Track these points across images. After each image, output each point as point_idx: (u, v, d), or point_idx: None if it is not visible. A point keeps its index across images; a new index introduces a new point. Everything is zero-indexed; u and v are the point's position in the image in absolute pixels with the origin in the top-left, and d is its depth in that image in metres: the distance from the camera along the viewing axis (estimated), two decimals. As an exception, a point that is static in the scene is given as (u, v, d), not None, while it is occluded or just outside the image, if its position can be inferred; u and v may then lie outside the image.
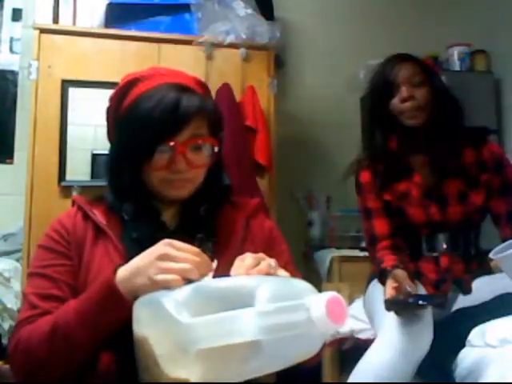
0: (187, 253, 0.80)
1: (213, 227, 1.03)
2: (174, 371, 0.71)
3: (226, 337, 0.67)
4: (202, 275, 0.79)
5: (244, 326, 0.67)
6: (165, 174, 0.98)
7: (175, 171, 0.97)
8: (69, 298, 0.93)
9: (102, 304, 0.83)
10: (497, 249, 1.29)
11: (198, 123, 0.98)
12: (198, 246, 0.86)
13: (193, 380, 0.70)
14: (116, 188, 1.03)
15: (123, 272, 0.83)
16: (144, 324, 0.76)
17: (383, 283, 1.50)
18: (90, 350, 0.87)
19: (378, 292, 1.57)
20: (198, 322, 0.69)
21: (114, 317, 0.83)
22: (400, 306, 1.38)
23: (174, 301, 0.72)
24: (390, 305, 1.37)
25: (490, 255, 1.31)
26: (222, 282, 0.75)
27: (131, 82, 1.02)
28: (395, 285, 1.40)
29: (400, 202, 1.62)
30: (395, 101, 1.59)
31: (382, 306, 1.51)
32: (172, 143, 0.96)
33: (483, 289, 1.53)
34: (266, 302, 0.69)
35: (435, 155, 1.63)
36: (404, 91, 1.57)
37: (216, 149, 1.02)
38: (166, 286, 0.77)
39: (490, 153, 1.63)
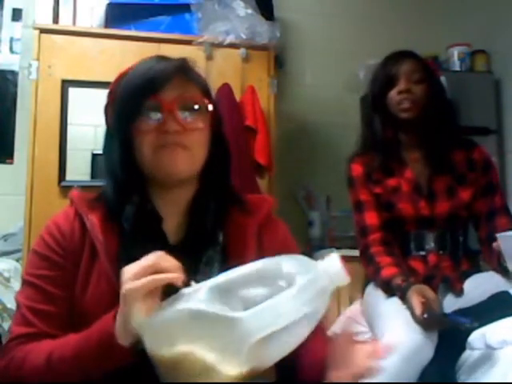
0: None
1: (220, 242, 0.97)
2: (229, 370, 0.70)
3: (275, 322, 0.70)
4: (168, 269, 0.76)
5: (290, 306, 0.71)
6: (156, 137, 0.93)
7: (166, 132, 0.93)
8: (65, 312, 0.92)
9: (99, 352, 0.81)
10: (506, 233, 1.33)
11: (184, 84, 0.96)
12: (204, 266, 0.89)
13: (244, 372, 0.70)
14: (114, 183, 0.97)
15: (117, 317, 0.79)
16: (177, 339, 0.72)
17: (392, 295, 1.52)
18: None
19: (378, 296, 1.57)
20: (247, 315, 0.70)
21: (110, 364, 0.81)
22: (436, 322, 1.38)
23: (202, 302, 0.71)
24: (429, 322, 1.36)
25: (497, 235, 1.36)
26: (235, 273, 0.76)
27: (126, 72, 1.02)
28: (423, 300, 1.40)
29: (390, 195, 1.67)
30: (393, 92, 1.69)
31: (384, 309, 1.51)
32: (157, 100, 0.93)
33: (476, 289, 1.54)
34: (297, 279, 0.73)
35: (427, 151, 1.71)
36: (402, 84, 1.67)
37: (210, 107, 0.99)
38: (155, 285, 0.74)
39: (480, 154, 1.72)
